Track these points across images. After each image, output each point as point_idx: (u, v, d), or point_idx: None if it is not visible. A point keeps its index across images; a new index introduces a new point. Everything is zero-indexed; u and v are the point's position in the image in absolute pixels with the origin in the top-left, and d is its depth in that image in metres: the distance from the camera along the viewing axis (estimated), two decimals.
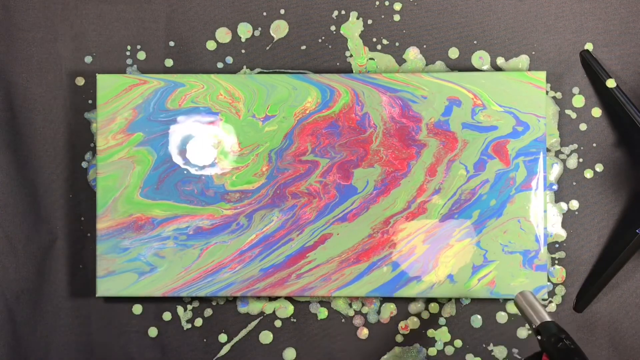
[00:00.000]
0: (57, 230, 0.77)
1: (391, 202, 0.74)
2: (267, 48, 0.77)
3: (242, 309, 0.77)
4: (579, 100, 0.76)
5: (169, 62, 0.77)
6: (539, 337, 0.56)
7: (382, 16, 0.77)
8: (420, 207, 0.74)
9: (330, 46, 0.77)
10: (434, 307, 0.76)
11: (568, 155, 0.76)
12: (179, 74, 0.75)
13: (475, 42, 0.76)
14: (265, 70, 0.77)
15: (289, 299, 0.77)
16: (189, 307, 0.77)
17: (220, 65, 0.77)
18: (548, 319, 0.58)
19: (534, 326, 0.58)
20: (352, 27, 0.77)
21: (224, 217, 0.74)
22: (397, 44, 0.77)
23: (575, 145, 0.76)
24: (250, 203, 0.74)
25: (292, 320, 0.77)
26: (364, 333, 0.77)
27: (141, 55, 0.77)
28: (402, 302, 0.77)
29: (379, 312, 0.77)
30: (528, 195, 0.73)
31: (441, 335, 0.77)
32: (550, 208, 0.76)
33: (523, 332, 0.76)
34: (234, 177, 0.74)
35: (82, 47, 0.78)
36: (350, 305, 0.77)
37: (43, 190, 0.77)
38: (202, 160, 0.74)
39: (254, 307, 0.77)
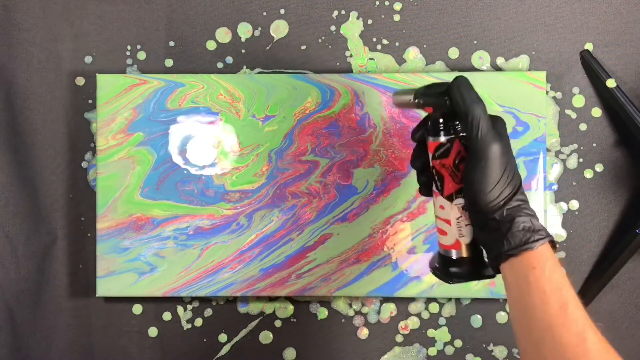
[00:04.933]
0: (57, 230, 0.77)
1: (391, 202, 0.74)
2: (267, 48, 0.77)
3: (242, 309, 0.77)
4: (579, 100, 0.76)
5: (169, 62, 0.78)
6: (418, 100, 0.55)
7: (382, 16, 0.77)
8: (420, 207, 0.74)
9: (330, 46, 0.77)
10: (433, 307, 0.76)
11: (568, 155, 0.76)
12: (179, 74, 0.75)
13: (475, 42, 0.76)
14: (265, 70, 0.77)
15: (289, 299, 0.77)
16: (189, 307, 0.77)
17: (220, 65, 0.77)
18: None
19: (411, 100, 0.56)
20: (352, 27, 0.77)
21: (224, 217, 0.74)
22: (397, 44, 0.77)
23: (575, 145, 0.76)
24: (250, 203, 0.74)
25: (292, 320, 0.77)
26: (364, 333, 0.77)
27: (141, 55, 0.77)
28: (402, 302, 0.77)
29: (379, 312, 0.77)
30: (528, 195, 0.73)
31: (441, 335, 0.77)
32: (550, 208, 0.76)
33: None
34: (234, 177, 0.74)
35: (82, 47, 0.78)
36: (350, 305, 0.77)
37: (43, 190, 0.77)
38: (202, 160, 0.74)
39: (254, 307, 0.77)
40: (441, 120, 0.53)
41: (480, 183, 0.49)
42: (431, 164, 0.54)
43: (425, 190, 0.57)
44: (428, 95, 0.54)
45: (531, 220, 0.50)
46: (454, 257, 0.54)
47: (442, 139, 0.53)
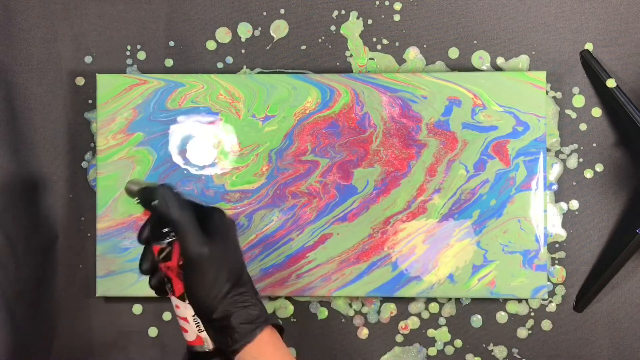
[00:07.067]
0: (57, 230, 0.77)
1: (391, 202, 0.74)
2: (267, 48, 0.77)
3: None
4: (579, 100, 0.76)
5: (169, 62, 0.78)
6: (136, 200, 0.55)
7: (382, 16, 0.77)
8: (420, 207, 0.74)
9: (330, 46, 0.77)
10: (434, 307, 0.76)
11: (568, 155, 0.76)
12: (179, 74, 0.75)
13: (475, 42, 0.76)
14: (265, 70, 0.77)
15: (289, 299, 0.77)
16: None
17: (220, 65, 0.77)
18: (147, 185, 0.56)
19: (134, 197, 0.56)
20: (352, 27, 0.77)
21: None
22: (397, 44, 0.77)
23: (575, 145, 0.76)
24: (250, 203, 0.74)
25: (292, 320, 0.77)
26: (364, 333, 0.77)
27: (141, 55, 0.77)
28: (402, 302, 0.77)
29: (379, 312, 0.77)
30: (528, 195, 0.73)
31: (441, 335, 0.77)
32: (550, 208, 0.76)
33: (523, 332, 0.76)
34: (234, 177, 0.74)
35: (82, 47, 0.78)
36: (350, 305, 0.77)
37: (43, 190, 0.77)
38: (202, 160, 0.74)
39: None
40: (159, 224, 0.54)
41: (194, 287, 0.51)
42: (158, 266, 0.55)
43: (159, 291, 0.57)
44: (142, 199, 0.54)
45: (247, 311, 0.51)
46: (199, 351, 0.55)
47: (163, 243, 0.53)
